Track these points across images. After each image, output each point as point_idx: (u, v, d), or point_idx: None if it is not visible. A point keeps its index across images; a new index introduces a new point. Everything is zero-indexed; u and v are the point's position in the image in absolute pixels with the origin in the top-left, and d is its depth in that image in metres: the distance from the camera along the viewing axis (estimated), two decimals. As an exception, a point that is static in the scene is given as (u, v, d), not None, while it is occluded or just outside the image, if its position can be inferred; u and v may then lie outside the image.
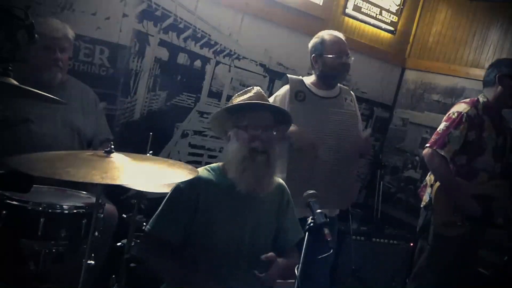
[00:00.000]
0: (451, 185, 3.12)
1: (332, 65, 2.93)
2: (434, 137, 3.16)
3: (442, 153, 3.06)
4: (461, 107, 3.15)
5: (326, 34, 3.00)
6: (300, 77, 3.08)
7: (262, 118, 2.10)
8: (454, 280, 3.18)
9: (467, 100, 3.22)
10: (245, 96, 2.15)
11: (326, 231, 1.65)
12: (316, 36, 3.03)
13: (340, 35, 3.02)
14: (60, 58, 2.69)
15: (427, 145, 3.17)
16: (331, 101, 3.00)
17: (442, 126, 3.15)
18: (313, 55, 3.00)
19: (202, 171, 2.14)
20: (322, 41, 2.97)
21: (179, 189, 2.09)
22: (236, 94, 2.22)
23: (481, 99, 3.16)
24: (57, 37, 2.67)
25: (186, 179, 2.02)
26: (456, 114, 3.12)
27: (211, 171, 2.17)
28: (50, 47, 2.65)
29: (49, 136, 2.61)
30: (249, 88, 2.20)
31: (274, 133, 2.10)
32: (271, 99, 3.05)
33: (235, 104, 2.13)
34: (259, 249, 2.08)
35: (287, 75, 3.07)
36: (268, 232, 2.19)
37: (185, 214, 2.05)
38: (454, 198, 3.12)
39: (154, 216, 2.11)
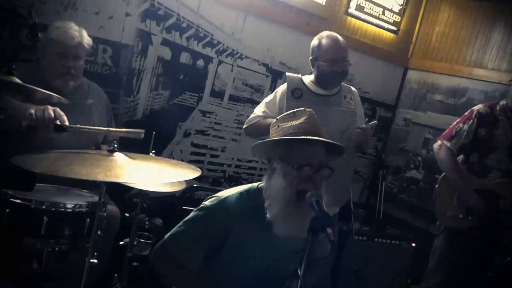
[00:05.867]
0: (455, 176, 3.21)
1: (325, 72, 2.93)
2: (445, 131, 3.31)
3: (448, 145, 3.20)
4: (476, 106, 3.28)
5: (324, 37, 2.96)
6: (299, 75, 3.07)
7: (316, 155, 1.83)
8: (465, 282, 3.19)
9: (488, 102, 3.33)
10: (296, 122, 1.88)
11: (329, 230, 1.64)
12: (317, 36, 3.01)
13: (338, 40, 2.96)
14: (72, 66, 2.63)
15: (438, 138, 3.33)
16: (329, 99, 2.99)
17: (454, 122, 3.30)
18: (311, 57, 3.00)
19: (238, 196, 1.95)
20: (319, 46, 2.94)
21: (211, 213, 1.93)
22: (284, 116, 1.96)
23: (501, 102, 3.24)
24: (71, 44, 2.60)
25: (216, 203, 1.93)
26: (468, 112, 3.25)
27: (246, 197, 1.96)
28: (63, 53, 2.60)
29: (63, 140, 2.60)
30: (299, 110, 1.94)
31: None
32: (271, 96, 3.06)
33: (287, 139, 1.85)
34: (286, 273, 2.01)
35: (286, 73, 3.08)
36: (297, 256, 1.97)
37: (211, 241, 1.91)
38: (458, 190, 3.20)
39: (175, 231, 1.96)
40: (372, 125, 2.92)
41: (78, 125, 2.27)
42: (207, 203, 1.97)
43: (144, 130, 2.18)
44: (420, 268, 3.50)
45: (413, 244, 4.14)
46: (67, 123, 2.26)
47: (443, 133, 3.31)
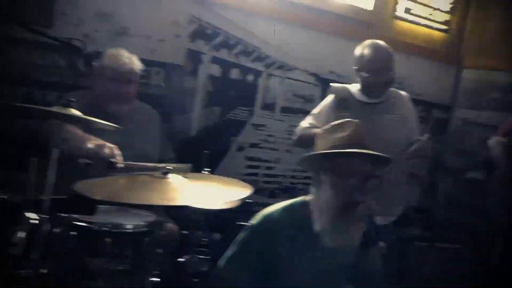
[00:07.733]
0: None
1: (369, 83, 2.88)
2: (502, 127, 3.34)
3: (505, 141, 3.19)
4: None
5: (367, 47, 2.89)
6: (345, 85, 3.05)
7: (363, 166, 1.85)
8: None
9: None
10: (341, 134, 1.88)
11: (382, 244, 1.64)
12: (360, 45, 2.94)
13: (382, 49, 2.88)
14: (125, 91, 2.74)
15: (494, 134, 3.34)
16: (377, 106, 2.94)
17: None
18: (354, 67, 2.95)
19: (282, 211, 1.97)
20: (362, 56, 2.88)
21: (257, 231, 1.96)
22: (330, 127, 1.96)
23: None
24: (123, 71, 2.72)
25: (261, 220, 1.96)
26: None
27: (294, 212, 1.97)
28: (116, 79, 2.71)
29: None
30: (346, 121, 1.95)
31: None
32: (318, 108, 3.06)
33: (333, 152, 1.85)
34: None
35: (331, 84, 3.07)
36: (348, 271, 1.90)
37: (261, 259, 1.91)
38: None
39: (226, 255, 2.00)
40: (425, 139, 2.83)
41: (130, 162, 2.38)
42: (252, 221, 2.00)
43: (191, 165, 2.27)
44: (480, 271, 3.41)
45: (473, 247, 4.02)
46: (120, 165, 2.37)
47: (499, 129, 3.30)
